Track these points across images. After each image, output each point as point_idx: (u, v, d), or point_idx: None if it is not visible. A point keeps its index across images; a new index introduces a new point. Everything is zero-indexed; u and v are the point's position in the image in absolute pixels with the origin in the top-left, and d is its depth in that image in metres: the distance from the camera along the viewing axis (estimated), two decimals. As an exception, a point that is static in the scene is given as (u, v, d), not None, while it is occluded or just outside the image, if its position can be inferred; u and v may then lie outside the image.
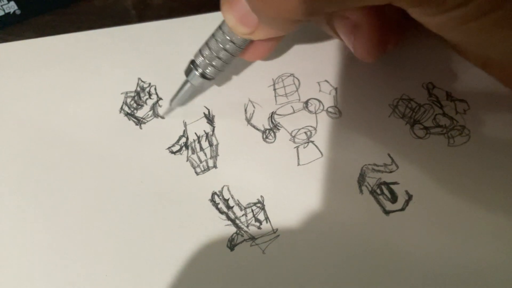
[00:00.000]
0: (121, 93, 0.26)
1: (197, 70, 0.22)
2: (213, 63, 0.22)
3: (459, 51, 0.24)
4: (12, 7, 0.30)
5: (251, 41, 0.21)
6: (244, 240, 0.21)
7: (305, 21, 0.18)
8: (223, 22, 0.21)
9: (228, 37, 0.21)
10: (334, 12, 0.21)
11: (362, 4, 0.16)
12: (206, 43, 0.22)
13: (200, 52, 0.22)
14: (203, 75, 0.22)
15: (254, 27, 0.19)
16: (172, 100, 0.24)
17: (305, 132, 0.24)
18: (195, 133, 0.24)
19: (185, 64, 0.23)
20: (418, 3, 0.16)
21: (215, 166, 0.23)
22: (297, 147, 0.23)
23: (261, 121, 0.24)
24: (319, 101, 0.25)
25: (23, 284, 0.21)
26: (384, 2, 0.16)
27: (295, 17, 0.17)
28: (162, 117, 0.25)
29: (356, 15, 0.20)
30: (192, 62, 0.23)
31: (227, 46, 0.21)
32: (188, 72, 0.23)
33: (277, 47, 0.23)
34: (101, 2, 0.32)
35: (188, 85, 0.23)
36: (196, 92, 0.25)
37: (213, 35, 0.22)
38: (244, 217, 0.22)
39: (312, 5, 0.16)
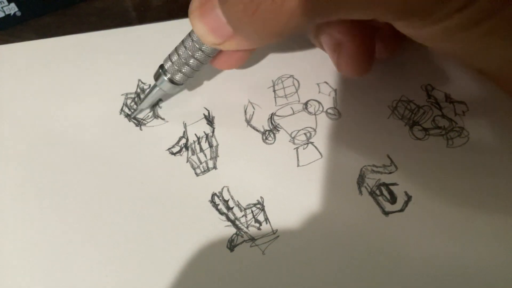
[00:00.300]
0: (122, 95, 0.26)
1: (165, 75, 0.22)
2: (182, 70, 0.22)
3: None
4: (12, 9, 0.30)
5: (221, 50, 0.21)
6: (244, 241, 0.21)
7: (288, 35, 0.17)
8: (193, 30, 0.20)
9: (197, 45, 0.20)
10: (320, 29, 0.21)
11: (344, 16, 0.16)
12: (175, 49, 0.21)
13: (169, 57, 0.22)
14: (171, 81, 0.22)
15: (225, 39, 0.18)
16: (140, 103, 0.24)
17: (305, 133, 0.24)
18: (195, 134, 0.24)
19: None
20: (404, 16, 0.15)
21: (215, 167, 0.23)
22: (297, 148, 0.23)
23: (261, 122, 0.24)
24: (319, 102, 0.25)
25: (24, 284, 0.21)
26: (368, 17, 0.15)
27: (283, 32, 0.16)
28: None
29: (339, 33, 0.20)
30: (161, 66, 0.22)
31: (196, 54, 0.21)
32: (157, 76, 0.22)
33: (275, 51, 0.23)
34: (102, 3, 0.32)
35: (157, 89, 0.23)
36: (166, 95, 0.25)
37: (182, 42, 0.21)
38: (244, 218, 0.22)
39: (301, 19, 0.15)
